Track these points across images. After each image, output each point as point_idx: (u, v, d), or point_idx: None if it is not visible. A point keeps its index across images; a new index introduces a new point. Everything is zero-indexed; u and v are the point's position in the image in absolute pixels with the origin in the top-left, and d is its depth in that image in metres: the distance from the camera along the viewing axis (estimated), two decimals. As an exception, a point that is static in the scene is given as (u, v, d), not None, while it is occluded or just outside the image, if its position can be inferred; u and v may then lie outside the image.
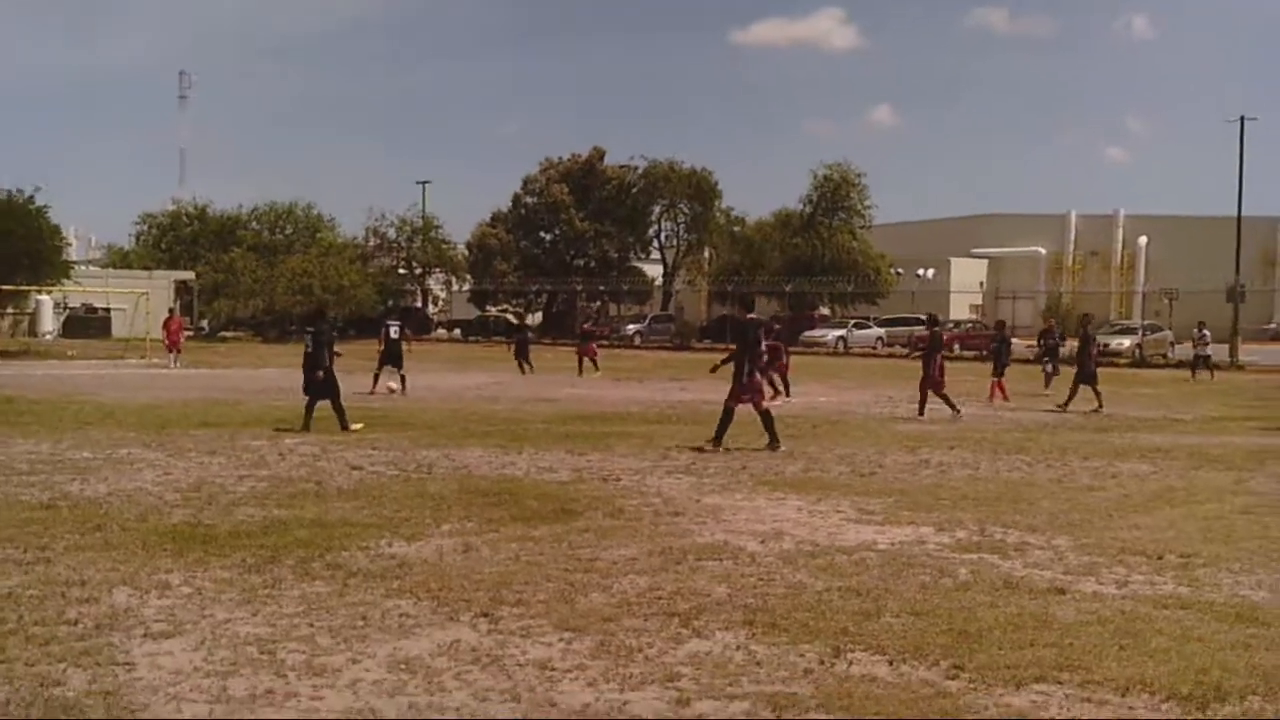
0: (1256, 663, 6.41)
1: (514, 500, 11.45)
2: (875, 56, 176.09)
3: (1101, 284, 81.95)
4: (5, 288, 42.72)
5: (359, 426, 17.59)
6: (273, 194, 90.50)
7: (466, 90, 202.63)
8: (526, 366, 34.84)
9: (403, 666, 6.18)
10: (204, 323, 66.70)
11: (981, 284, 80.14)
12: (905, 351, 39.10)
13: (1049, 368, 30.06)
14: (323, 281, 61.41)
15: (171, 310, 41.40)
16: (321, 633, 6.78)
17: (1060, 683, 6.02)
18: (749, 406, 16.25)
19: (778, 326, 28.07)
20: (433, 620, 7.10)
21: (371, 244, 76.21)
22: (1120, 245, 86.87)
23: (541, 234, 75.27)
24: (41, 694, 5.64)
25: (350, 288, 63.27)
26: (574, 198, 72.25)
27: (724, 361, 17.11)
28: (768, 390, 18.42)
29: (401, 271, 78.04)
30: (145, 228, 79.33)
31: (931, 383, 21.94)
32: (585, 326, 38.32)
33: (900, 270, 66.67)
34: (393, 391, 25.11)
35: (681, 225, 75.08)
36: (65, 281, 47.69)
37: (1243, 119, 50.88)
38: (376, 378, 25.84)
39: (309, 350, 18.29)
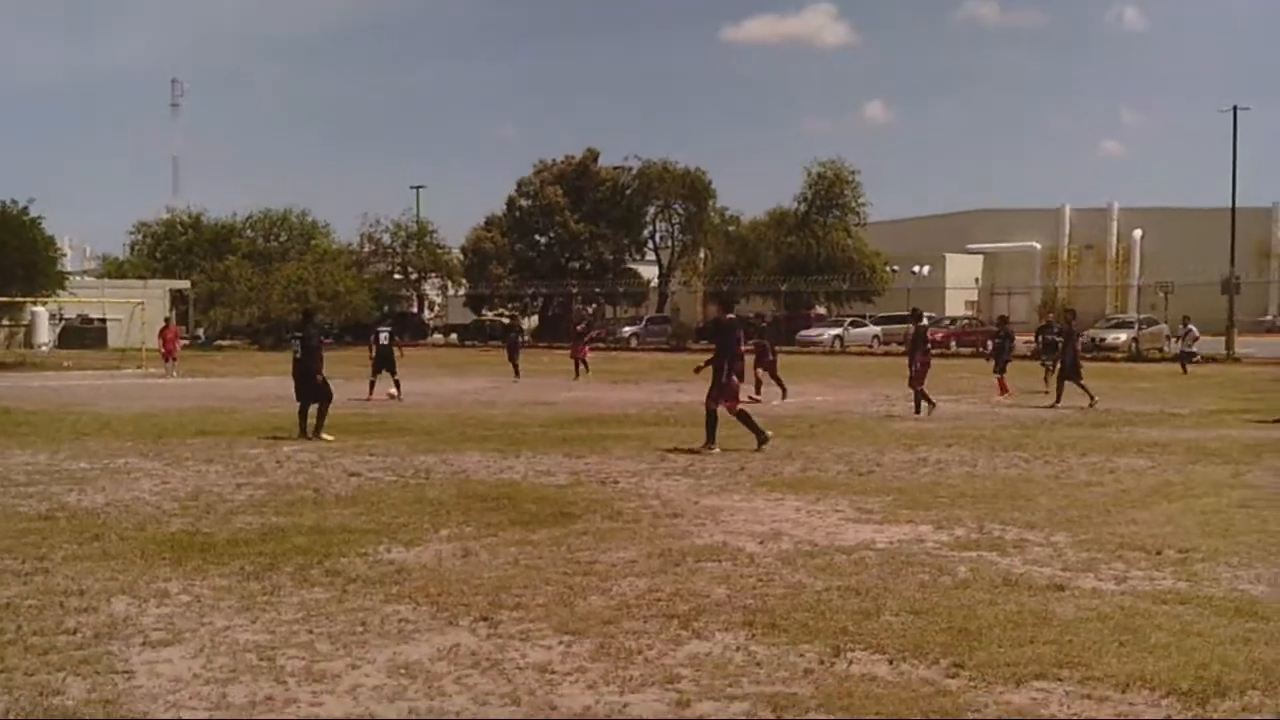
0: (1256, 657, 6.41)
1: (512, 504, 11.44)
2: (867, 52, 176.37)
3: (1097, 278, 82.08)
4: (0, 300, 42.68)
5: (330, 438, 17.17)
6: (267, 201, 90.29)
7: (459, 93, 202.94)
8: (515, 369, 34.45)
9: (402, 671, 6.18)
10: (200, 331, 66.65)
11: (977, 280, 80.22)
12: (901, 349, 39.07)
13: (1049, 363, 30.04)
14: (318, 288, 61.36)
15: (167, 319, 41.32)
16: (321, 639, 6.78)
17: (1060, 680, 6.03)
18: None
19: (765, 324, 27.83)
20: (432, 625, 7.09)
21: (366, 250, 76.12)
22: (1115, 239, 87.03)
23: (536, 237, 75.37)
24: (41, 703, 5.63)
25: (346, 294, 63.23)
26: (568, 200, 72.34)
27: (707, 363, 17.10)
28: (745, 391, 18.28)
29: (397, 277, 78.00)
30: (140, 237, 79.24)
31: (913, 376, 21.93)
32: (579, 328, 38.16)
33: (896, 268, 66.71)
34: (393, 397, 25.09)
35: (676, 226, 75.22)
36: (61, 292, 47.57)
37: (1235, 109, 51.00)
38: (372, 384, 25.81)
39: (298, 356, 18.13)
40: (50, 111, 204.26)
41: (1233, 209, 51.35)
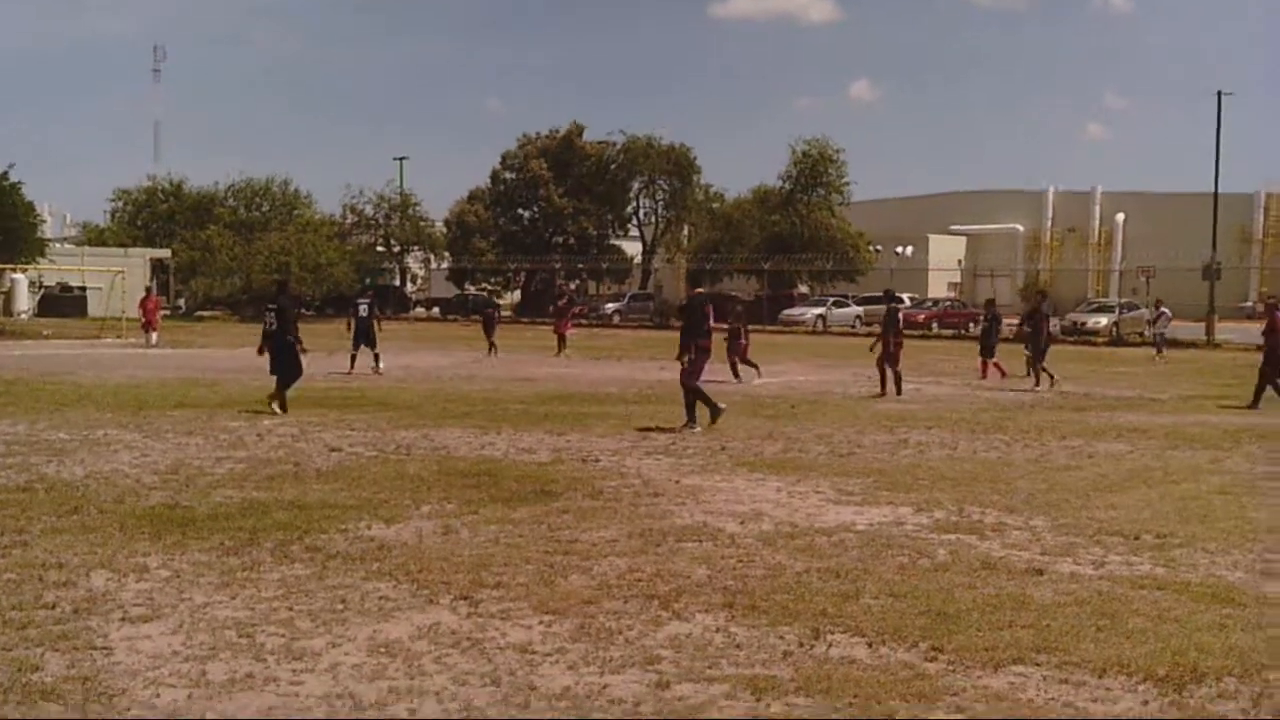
0: (1233, 643, 6.46)
1: (493, 481, 11.44)
2: (854, 30, 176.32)
3: (1079, 261, 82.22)
4: (-21, 266, 42.45)
5: (276, 411, 16.87)
6: (249, 170, 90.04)
7: (445, 66, 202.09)
8: (491, 346, 33.51)
9: (382, 650, 6.18)
10: (181, 301, 66.35)
11: (960, 261, 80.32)
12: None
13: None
14: (300, 259, 61.12)
15: (148, 289, 41.14)
16: (301, 616, 6.77)
17: (1038, 664, 6.06)
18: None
19: (739, 307, 27.38)
20: (412, 603, 7.09)
21: (349, 221, 75.79)
22: (1098, 222, 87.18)
23: (520, 211, 75.08)
24: (19, 679, 5.61)
25: (328, 265, 63.03)
26: (553, 174, 72.04)
27: (683, 349, 16.97)
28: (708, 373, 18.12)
29: (380, 249, 77.73)
30: (120, 204, 78.66)
31: (885, 357, 21.90)
32: (561, 304, 37.93)
33: (879, 248, 66.70)
34: (376, 372, 25.03)
35: (660, 202, 74.99)
36: (40, 260, 47.35)
37: (1220, 94, 51.00)
38: (353, 358, 25.73)
39: (271, 328, 17.71)
40: (30, 76, 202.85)
41: (1215, 194, 51.48)
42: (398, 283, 78.55)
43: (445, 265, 78.35)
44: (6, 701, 5.37)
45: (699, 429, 15.77)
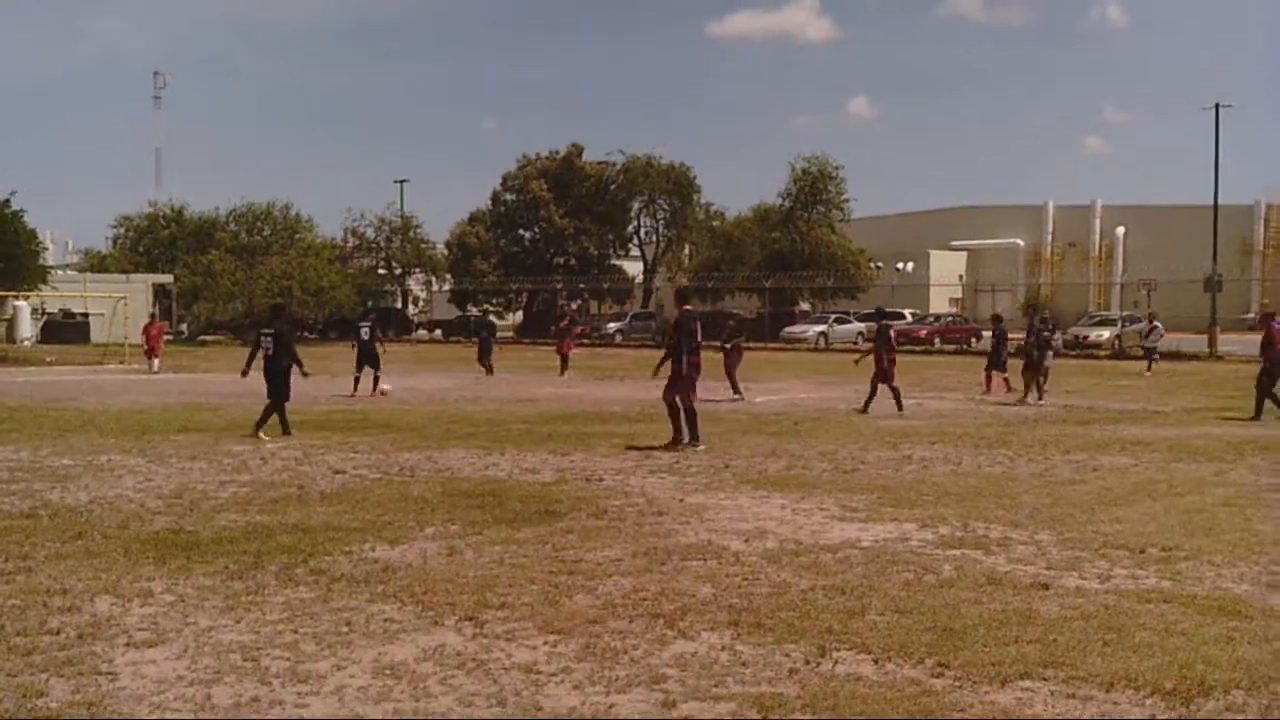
0: (1240, 656, 6.45)
1: (497, 502, 11.43)
2: (851, 48, 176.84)
3: (1080, 275, 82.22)
4: (-17, 294, 42.51)
5: (265, 438, 16.87)
6: (250, 194, 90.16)
7: (444, 88, 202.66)
8: (485, 369, 33.30)
9: (388, 672, 6.17)
10: (183, 326, 66.33)
11: (961, 277, 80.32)
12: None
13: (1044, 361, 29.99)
14: (302, 283, 61.15)
15: (152, 315, 41.07)
16: (306, 639, 6.76)
17: (1045, 679, 6.05)
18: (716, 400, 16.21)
19: (731, 325, 27.35)
20: (417, 625, 7.08)
21: (350, 244, 75.88)
22: (1098, 236, 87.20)
23: (521, 232, 75.16)
24: (24, 705, 5.61)
25: (329, 289, 63.03)
26: (553, 195, 72.15)
27: (664, 360, 17.04)
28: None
29: (381, 272, 77.76)
30: (122, 231, 78.67)
31: (879, 374, 21.94)
32: (563, 324, 37.95)
33: (880, 264, 66.74)
34: (384, 394, 25.05)
35: (661, 221, 75.11)
36: (43, 287, 47.38)
37: (1218, 106, 51.02)
38: (357, 381, 25.74)
39: (268, 353, 17.61)
40: (32, 105, 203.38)
41: (1215, 206, 51.46)
42: (399, 305, 78.57)
43: (447, 287, 78.42)
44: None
45: (703, 446, 15.76)
